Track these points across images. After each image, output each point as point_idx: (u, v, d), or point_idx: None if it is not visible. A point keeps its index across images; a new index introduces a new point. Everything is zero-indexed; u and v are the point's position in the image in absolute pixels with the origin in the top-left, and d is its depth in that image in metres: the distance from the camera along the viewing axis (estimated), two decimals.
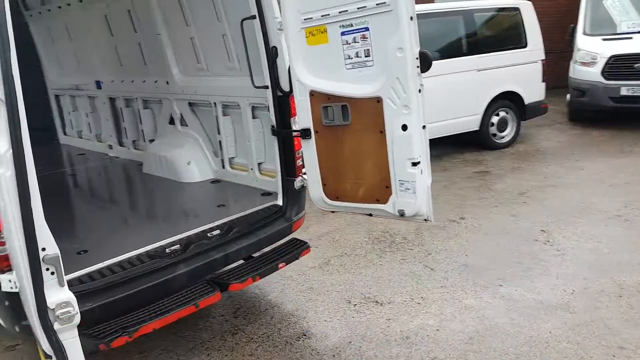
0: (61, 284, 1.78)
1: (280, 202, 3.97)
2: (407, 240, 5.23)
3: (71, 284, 2.88)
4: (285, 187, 3.96)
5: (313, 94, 3.56)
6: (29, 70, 7.36)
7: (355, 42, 3.34)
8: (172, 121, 5.31)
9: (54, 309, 1.77)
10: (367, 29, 3.26)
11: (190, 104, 5.06)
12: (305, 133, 3.65)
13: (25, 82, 7.48)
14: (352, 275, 4.54)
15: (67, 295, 1.80)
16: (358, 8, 3.22)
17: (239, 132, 4.62)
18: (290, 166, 3.93)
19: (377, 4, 3.13)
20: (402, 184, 3.38)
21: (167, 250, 3.28)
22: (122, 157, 6.24)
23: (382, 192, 3.51)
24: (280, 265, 3.60)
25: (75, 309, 1.82)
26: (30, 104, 7.45)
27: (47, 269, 1.76)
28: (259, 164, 4.47)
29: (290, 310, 4.00)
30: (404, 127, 3.25)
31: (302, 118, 3.65)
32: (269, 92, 3.84)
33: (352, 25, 3.31)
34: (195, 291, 3.20)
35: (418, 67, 3.14)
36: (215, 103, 4.69)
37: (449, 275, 4.41)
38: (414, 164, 3.29)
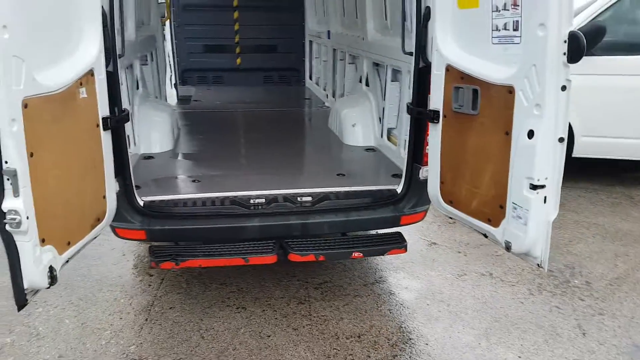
0: (15, 194, 1.99)
1: (399, 188, 3.51)
2: (588, 287, 4.04)
3: (158, 204, 3.24)
4: (409, 174, 3.48)
5: (449, 69, 2.95)
6: (294, 15, 8.22)
7: (505, 9, 2.57)
8: (361, 79, 5.19)
9: (5, 212, 2.00)
10: None
11: (374, 64, 4.83)
12: (434, 115, 3.09)
13: (290, 26, 8.30)
14: (474, 301, 3.79)
15: (17, 204, 2.01)
16: None
17: (403, 102, 4.22)
18: (418, 151, 3.41)
19: None
20: (515, 208, 2.60)
21: (251, 202, 3.29)
22: (330, 108, 6.47)
23: (495, 211, 2.78)
24: (356, 254, 3.26)
25: (21, 217, 2.01)
26: (288, 46, 8.32)
27: (8, 179, 1.99)
28: (406, 141, 4.01)
29: (368, 307, 3.61)
30: (530, 134, 2.43)
31: (434, 97, 3.10)
32: (412, 61, 3.33)
33: None
34: (257, 247, 3.18)
35: (565, 54, 2.24)
36: (387, 66, 4.36)
37: (598, 350, 3.26)
38: (534, 187, 2.46)
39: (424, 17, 3.16)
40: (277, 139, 5.04)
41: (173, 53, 8.00)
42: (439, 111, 3.06)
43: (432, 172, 3.22)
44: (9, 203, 2.02)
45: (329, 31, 6.63)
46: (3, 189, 2.01)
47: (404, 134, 4.03)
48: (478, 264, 4.35)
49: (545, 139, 2.37)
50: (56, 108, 2.31)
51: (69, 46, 2.56)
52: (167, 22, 7.77)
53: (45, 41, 2.32)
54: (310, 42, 8.09)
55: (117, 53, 2.99)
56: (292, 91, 8.02)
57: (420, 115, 3.29)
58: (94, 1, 2.62)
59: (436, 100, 3.07)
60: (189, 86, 8.05)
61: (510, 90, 2.52)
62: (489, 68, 2.69)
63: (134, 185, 3.19)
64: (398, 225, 3.50)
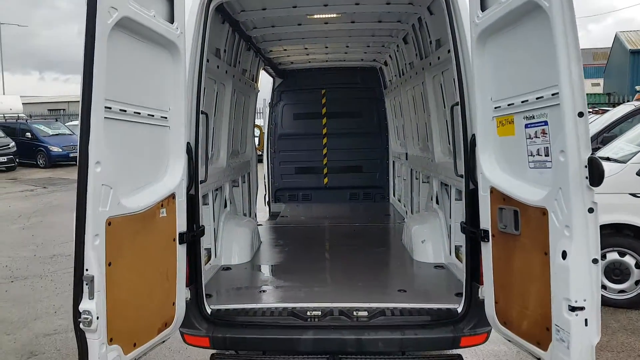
0: (90, 297, 2.43)
1: (460, 307, 3.56)
2: None
3: (223, 312, 3.59)
4: (468, 293, 3.54)
5: (493, 191, 3.16)
6: (379, 139, 8.87)
7: (536, 137, 2.82)
8: (432, 197, 5.43)
9: (80, 312, 2.43)
10: (545, 123, 2.74)
11: (443, 184, 5.08)
12: (484, 234, 3.25)
13: (375, 148, 9.11)
14: None
15: (91, 306, 2.43)
16: (537, 98, 2.79)
17: None
18: (475, 270, 3.49)
19: (552, 94, 2.63)
20: (558, 331, 2.63)
21: (308, 314, 3.53)
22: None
23: (542, 333, 2.80)
24: None
25: (92, 317, 2.42)
26: (373, 166, 9.04)
27: (86, 284, 2.44)
28: None
29: None
30: (564, 255, 2.51)
31: (483, 217, 3.28)
32: (463, 183, 3.56)
33: (534, 117, 2.85)
34: (310, 359, 3.34)
35: (587, 178, 2.38)
36: (451, 186, 4.60)
37: None
38: (572, 309, 2.48)
39: (470, 143, 3.44)
40: (349, 253, 5.31)
41: (268, 175, 8.90)
42: (488, 230, 3.20)
43: (487, 292, 3.28)
44: (84, 304, 2.47)
45: (406, 153, 7.08)
46: (82, 292, 2.48)
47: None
48: None
49: (578, 260, 2.43)
50: (137, 225, 2.84)
51: (158, 175, 3.19)
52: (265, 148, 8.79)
53: (135, 172, 2.93)
54: (394, 162, 8.59)
55: (200, 179, 3.60)
56: (375, 208, 8.39)
57: (472, 234, 3.43)
58: (180, 140, 3.27)
59: (484, 220, 3.24)
60: (280, 203, 8.77)
61: (544, 212, 2.65)
62: (527, 191, 2.87)
63: (204, 294, 3.61)
64: (458, 346, 3.48)
